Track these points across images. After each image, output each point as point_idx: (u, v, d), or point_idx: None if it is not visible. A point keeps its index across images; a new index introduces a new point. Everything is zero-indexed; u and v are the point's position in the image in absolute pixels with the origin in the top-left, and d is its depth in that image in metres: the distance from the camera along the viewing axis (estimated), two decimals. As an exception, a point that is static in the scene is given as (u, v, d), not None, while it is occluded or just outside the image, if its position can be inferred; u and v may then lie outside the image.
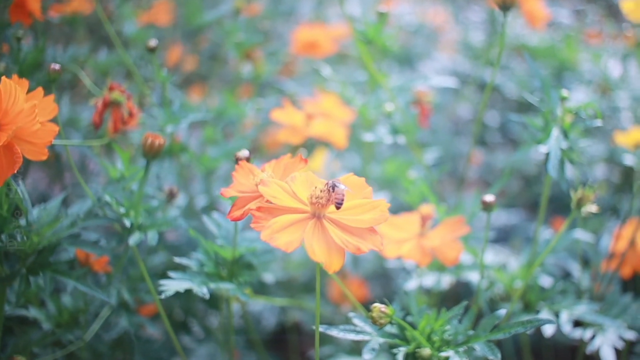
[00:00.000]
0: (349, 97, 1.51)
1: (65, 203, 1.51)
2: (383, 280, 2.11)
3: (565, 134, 1.14)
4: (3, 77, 0.97)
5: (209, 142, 1.61)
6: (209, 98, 2.38)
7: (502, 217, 2.29)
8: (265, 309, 2.02)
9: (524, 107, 2.62)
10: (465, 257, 1.44)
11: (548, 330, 1.29)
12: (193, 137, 1.76)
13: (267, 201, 0.88)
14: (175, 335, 1.71)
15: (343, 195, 0.87)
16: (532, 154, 2.64)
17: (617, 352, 1.34)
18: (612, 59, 2.64)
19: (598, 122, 1.14)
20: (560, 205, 2.28)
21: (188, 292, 1.54)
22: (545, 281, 1.42)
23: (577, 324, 1.41)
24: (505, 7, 1.23)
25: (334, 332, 0.98)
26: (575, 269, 1.52)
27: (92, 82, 1.69)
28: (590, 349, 1.33)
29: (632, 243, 1.47)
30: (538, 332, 1.57)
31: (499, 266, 1.43)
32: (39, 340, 1.30)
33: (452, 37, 3.32)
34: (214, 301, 1.69)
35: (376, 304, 0.96)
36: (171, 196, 1.28)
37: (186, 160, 1.56)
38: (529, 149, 1.20)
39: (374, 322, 0.96)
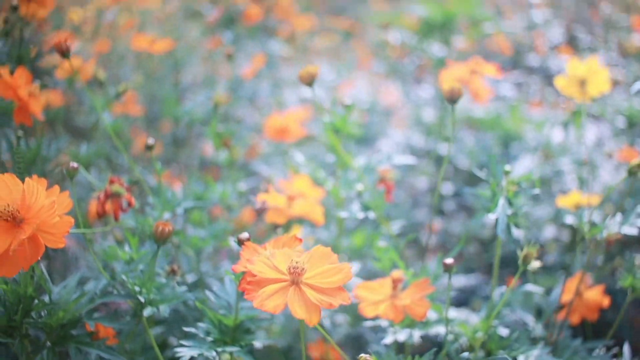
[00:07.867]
0: (320, 179, 1.71)
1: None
2: (354, 344, 2.27)
3: (510, 202, 1.35)
4: (27, 179, 1.13)
5: (196, 224, 1.79)
6: (179, 181, 2.55)
7: (461, 280, 2.45)
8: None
9: (475, 177, 2.81)
10: (432, 314, 1.62)
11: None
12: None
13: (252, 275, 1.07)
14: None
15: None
16: (486, 220, 2.85)
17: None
18: (553, 127, 2.87)
19: (537, 191, 1.36)
20: (516, 267, 2.47)
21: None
22: (504, 332, 1.60)
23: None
24: (453, 101, 1.45)
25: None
26: (530, 319, 1.72)
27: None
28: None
29: (578, 294, 1.67)
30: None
31: (462, 321, 1.61)
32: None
33: (405, 113, 3.56)
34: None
35: (362, 355, 1.14)
36: (173, 273, 1.44)
37: (176, 241, 1.73)
38: (482, 217, 1.41)
39: (362, 372, 1.14)
